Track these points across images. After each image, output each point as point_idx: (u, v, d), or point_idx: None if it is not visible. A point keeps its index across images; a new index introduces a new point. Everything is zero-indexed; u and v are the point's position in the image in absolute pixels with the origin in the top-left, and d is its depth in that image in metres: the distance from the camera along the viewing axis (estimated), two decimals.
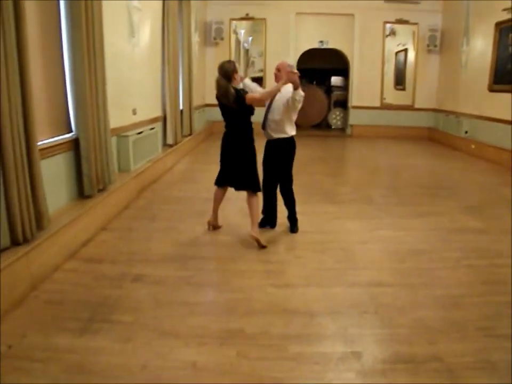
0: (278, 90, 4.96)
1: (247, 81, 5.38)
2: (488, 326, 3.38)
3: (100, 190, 5.61)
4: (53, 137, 4.98)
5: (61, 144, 5.06)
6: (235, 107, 4.83)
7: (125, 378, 2.81)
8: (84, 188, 5.33)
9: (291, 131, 5.21)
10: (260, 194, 5.24)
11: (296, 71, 4.87)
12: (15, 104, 3.73)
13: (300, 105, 4.97)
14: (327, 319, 3.51)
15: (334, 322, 3.47)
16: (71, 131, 5.40)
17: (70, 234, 4.64)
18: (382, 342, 3.20)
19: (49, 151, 4.73)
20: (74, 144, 5.29)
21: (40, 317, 3.52)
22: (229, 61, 5.04)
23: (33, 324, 3.41)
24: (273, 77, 5.17)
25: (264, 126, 5.26)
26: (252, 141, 5.02)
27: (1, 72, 3.53)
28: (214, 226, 5.48)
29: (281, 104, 5.05)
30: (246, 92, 4.89)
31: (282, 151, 5.25)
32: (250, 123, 4.99)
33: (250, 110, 4.91)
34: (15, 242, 3.82)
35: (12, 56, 3.66)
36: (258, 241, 4.90)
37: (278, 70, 5.12)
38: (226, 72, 4.82)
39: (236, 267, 4.47)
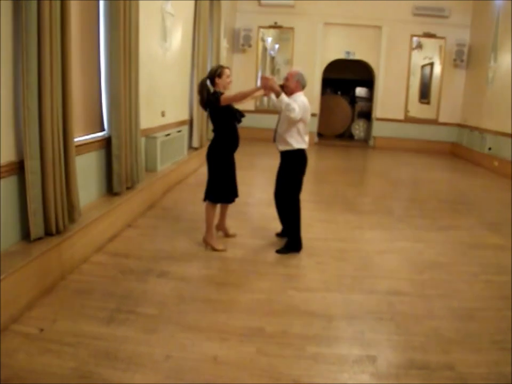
0: (251, 93, 5.01)
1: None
2: (503, 339, 3.45)
3: (128, 188, 5.79)
4: (86, 135, 5.16)
5: (94, 142, 5.25)
6: (206, 108, 4.93)
7: (149, 366, 2.95)
8: (113, 185, 5.52)
9: (297, 144, 4.90)
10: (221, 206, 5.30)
11: (271, 77, 4.74)
12: (56, 101, 3.92)
13: (293, 115, 4.64)
14: (345, 323, 3.62)
15: (351, 326, 3.58)
16: (103, 130, 5.59)
17: (99, 228, 4.82)
18: (397, 348, 3.30)
19: (83, 148, 4.92)
20: (106, 142, 5.49)
21: (69, 305, 3.69)
22: (219, 65, 5.07)
23: (62, 310, 3.59)
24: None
25: (274, 139, 5.11)
26: (219, 148, 4.94)
27: (46, 71, 3.73)
28: (220, 230, 5.49)
29: (285, 116, 4.82)
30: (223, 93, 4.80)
31: (289, 164, 5.02)
32: (226, 129, 4.92)
33: (226, 115, 4.86)
34: (48, 233, 4.00)
35: (56, 56, 3.87)
36: (210, 246, 5.04)
37: (287, 79, 4.98)
38: (209, 73, 4.96)
39: (257, 269, 4.60)
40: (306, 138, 4.99)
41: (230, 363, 3.03)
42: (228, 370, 2.96)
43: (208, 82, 4.91)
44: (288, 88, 4.91)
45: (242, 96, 4.89)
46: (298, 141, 4.91)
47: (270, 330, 3.45)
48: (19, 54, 3.60)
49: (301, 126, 4.87)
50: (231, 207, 5.43)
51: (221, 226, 5.48)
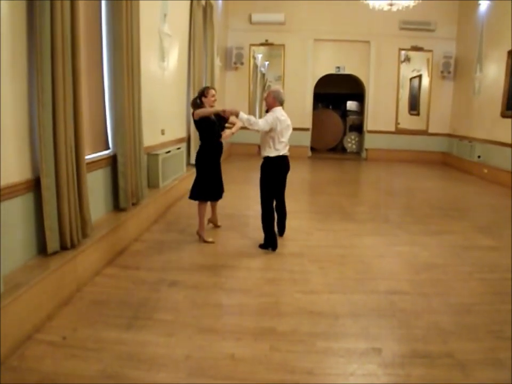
0: (211, 112, 5.70)
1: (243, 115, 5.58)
2: (498, 329, 3.71)
3: (133, 204, 6.00)
4: (92, 153, 5.36)
5: (101, 159, 5.46)
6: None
7: (171, 365, 3.16)
8: (119, 201, 5.72)
9: (268, 152, 5.55)
10: None
11: (228, 109, 5.69)
12: (68, 119, 4.14)
13: (256, 127, 5.39)
14: (350, 320, 3.86)
15: (356, 323, 3.81)
16: (108, 148, 5.81)
17: (109, 243, 5.03)
18: (400, 340, 3.54)
19: (92, 165, 5.11)
20: (112, 160, 5.70)
21: (88, 314, 3.89)
22: (206, 86, 6.19)
23: (81, 319, 3.78)
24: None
25: (259, 148, 5.82)
26: (201, 155, 5.92)
27: (59, 90, 3.96)
28: (211, 222, 6.48)
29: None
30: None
31: (262, 169, 5.67)
32: (206, 140, 5.87)
33: (204, 128, 5.80)
34: (63, 247, 4.19)
35: (68, 76, 4.10)
36: (202, 238, 5.90)
37: (266, 96, 5.70)
38: (198, 93, 5.99)
39: (264, 275, 4.84)
40: (281, 147, 5.55)
41: (246, 360, 3.25)
42: (245, 366, 3.17)
43: (198, 101, 5.87)
44: (267, 103, 5.67)
45: (203, 112, 5.67)
46: (269, 150, 5.55)
47: (281, 329, 3.68)
48: (33, 71, 3.81)
49: (273, 135, 5.49)
50: (233, 221, 5.66)
51: (211, 219, 6.47)
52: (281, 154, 5.57)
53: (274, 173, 5.64)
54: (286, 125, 5.55)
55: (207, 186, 5.91)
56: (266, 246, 5.66)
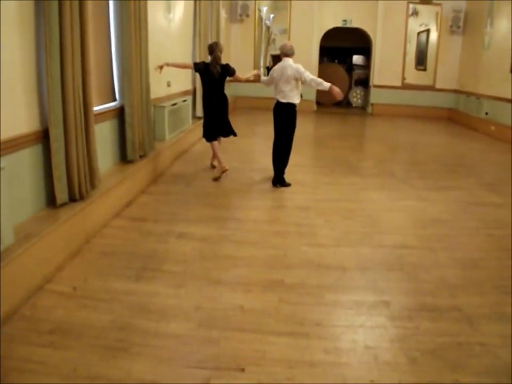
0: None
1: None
2: (504, 285, 3.74)
3: (141, 156, 5.97)
4: (99, 105, 5.29)
5: (109, 111, 5.44)
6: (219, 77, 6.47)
7: (181, 316, 3.21)
8: (127, 153, 5.71)
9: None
10: None
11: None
12: (76, 70, 4.09)
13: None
14: (358, 273, 3.90)
15: (364, 276, 3.85)
16: (115, 100, 5.75)
17: (117, 194, 5.04)
18: (408, 294, 3.58)
19: (99, 117, 5.07)
20: (119, 112, 5.66)
21: (97, 266, 3.93)
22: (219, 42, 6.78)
23: (91, 271, 3.83)
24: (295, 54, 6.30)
25: None
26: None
27: (67, 40, 3.88)
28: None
29: None
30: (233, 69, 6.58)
31: None
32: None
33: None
34: (72, 199, 4.20)
35: (76, 26, 4.03)
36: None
37: None
38: (222, 51, 6.55)
39: (271, 228, 4.86)
40: (276, 94, 6.30)
41: (256, 311, 3.29)
42: (255, 318, 3.21)
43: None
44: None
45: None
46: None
47: (289, 281, 3.71)
48: (41, 22, 3.74)
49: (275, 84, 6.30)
50: (239, 174, 5.84)
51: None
52: (277, 100, 6.26)
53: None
54: (280, 75, 6.14)
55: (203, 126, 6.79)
56: None
